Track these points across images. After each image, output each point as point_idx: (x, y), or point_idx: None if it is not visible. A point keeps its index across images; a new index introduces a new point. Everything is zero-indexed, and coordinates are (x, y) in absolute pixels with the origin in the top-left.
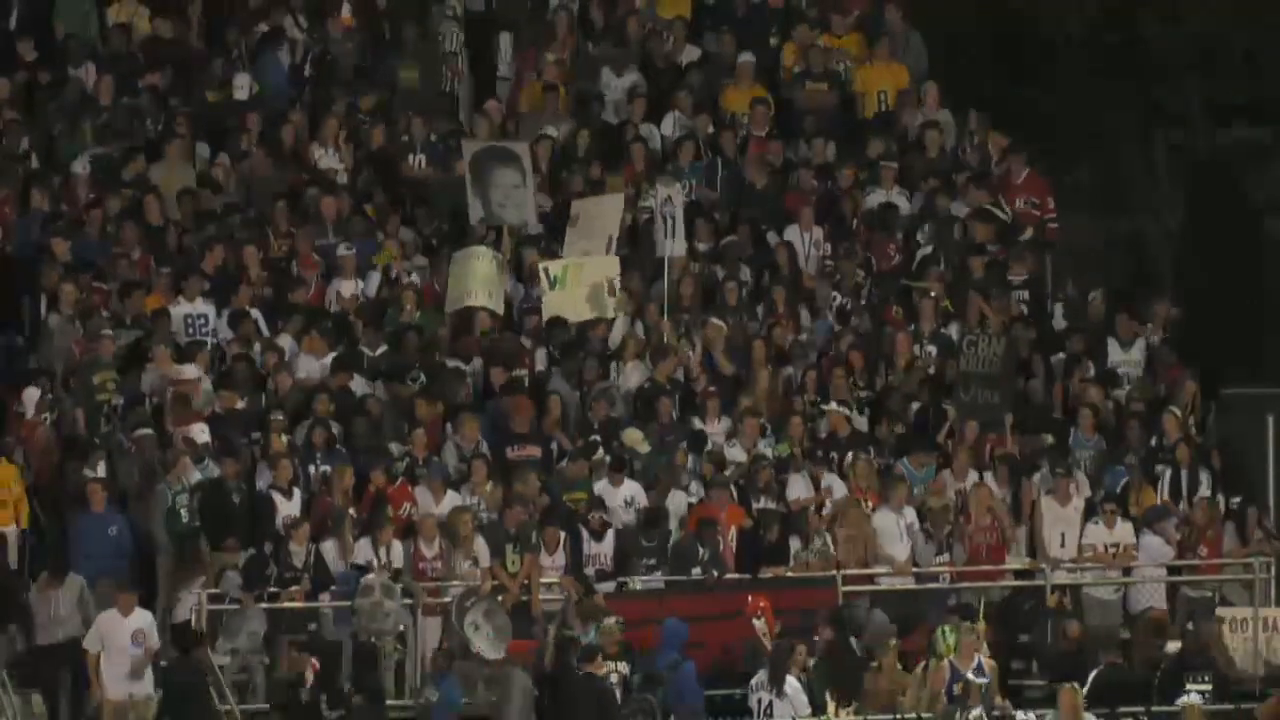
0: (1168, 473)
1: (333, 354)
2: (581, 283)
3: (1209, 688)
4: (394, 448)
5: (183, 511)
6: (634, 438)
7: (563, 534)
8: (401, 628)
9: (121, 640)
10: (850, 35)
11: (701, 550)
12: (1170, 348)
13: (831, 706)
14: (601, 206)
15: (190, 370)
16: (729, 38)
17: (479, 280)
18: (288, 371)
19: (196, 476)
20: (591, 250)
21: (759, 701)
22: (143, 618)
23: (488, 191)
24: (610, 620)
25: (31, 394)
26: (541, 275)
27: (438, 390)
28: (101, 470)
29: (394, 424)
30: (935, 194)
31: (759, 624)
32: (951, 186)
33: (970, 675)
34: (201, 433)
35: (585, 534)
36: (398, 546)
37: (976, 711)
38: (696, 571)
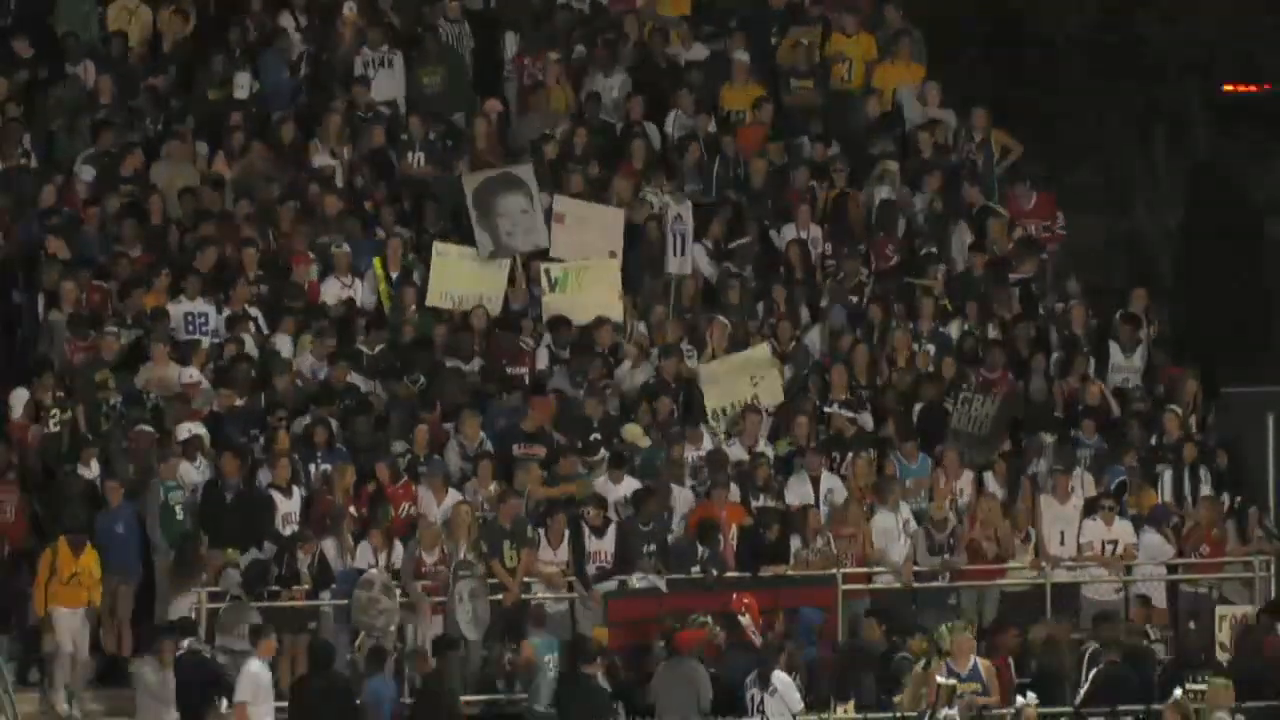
0: (1168, 472)
1: (329, 354)
2: (584, 286)
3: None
4: (397, 446)
5: (177, 509)
6: (634, 433)
7: (566, 531)
8: (393, 628)
9: (270, 687)
10: (860, 35)
11: (701, 550)
12: (1170, 348)
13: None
14: (595, 214)
15: (192, 374)
16: (729, 38)
17: (479, 280)
18: (287, 370)
19: (194, 476)
20: (590, 255)
21: (751, 699)
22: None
23: (495, 221)
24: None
25: (20, 395)
26: (542, 277)
27: (438, 390)
28: (94, 468)
29: (398, 422)
30: (938, 193)
31: (745, 620)
32: (954, 185)
33: (940, 679)
34: (198, 430)
35: (586, 530)
36: (398, 548)
37: (947, 711)
38: (696, 570)
